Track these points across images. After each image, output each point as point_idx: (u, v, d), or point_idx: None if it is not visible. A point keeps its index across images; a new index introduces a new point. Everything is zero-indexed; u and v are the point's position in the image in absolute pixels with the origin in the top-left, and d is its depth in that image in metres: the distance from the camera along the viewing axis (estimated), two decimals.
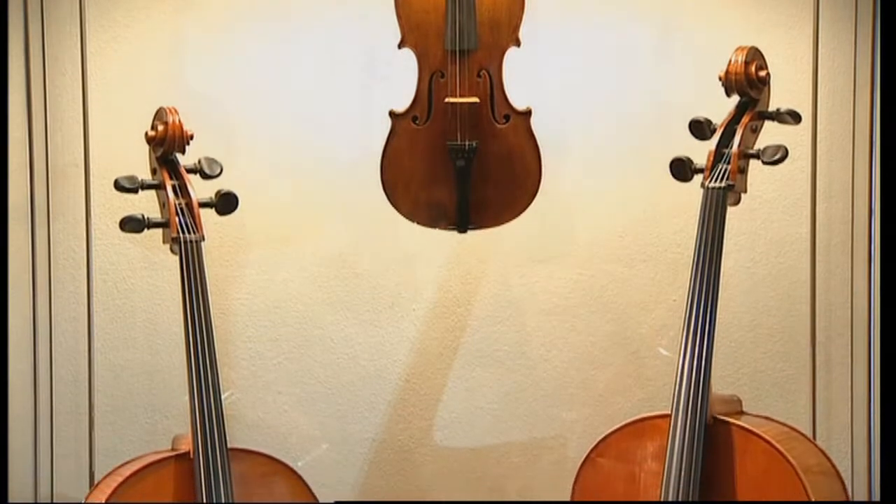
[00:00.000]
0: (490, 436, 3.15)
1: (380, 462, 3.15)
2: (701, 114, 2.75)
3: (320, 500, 2.80)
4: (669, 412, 2.68)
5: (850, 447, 3.05)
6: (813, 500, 2.58)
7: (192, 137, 2.75)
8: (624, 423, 2.77)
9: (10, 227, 3.02)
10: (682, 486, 2.65)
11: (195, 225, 2.77)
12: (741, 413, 2.76)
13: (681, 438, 2.66)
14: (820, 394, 3.08)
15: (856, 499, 2.96)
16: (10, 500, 3.02)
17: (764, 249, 3.08)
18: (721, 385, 2.93)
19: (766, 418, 2.75)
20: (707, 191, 2.71)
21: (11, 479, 3.03)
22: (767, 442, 2.62)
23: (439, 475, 3.15)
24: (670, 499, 2.65)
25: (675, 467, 2.66)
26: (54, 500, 3.08)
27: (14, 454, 3.05)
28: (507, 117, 2.90)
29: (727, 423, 2.67)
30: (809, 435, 2.92)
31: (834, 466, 2.70)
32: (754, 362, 3.10)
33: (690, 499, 2.64)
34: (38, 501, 3.07)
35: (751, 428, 2.65)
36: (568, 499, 2.77)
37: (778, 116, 2.75)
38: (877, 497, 2.99)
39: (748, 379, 3.10)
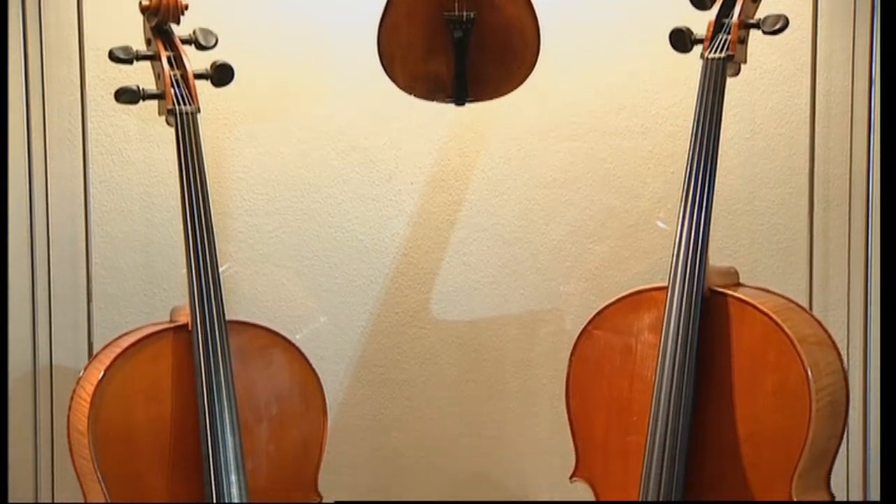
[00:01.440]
0: (487, 308, 3.16)
1: (377, 335, 3.16)
2: None
3: (318, 373, 2.81)
4: (666, 284, 2.69)
5: (846, 318, 3.05)
6: (808, 369, 2.60)
7: (186, 8, 2.72)
8: (621, 295, 2.77)
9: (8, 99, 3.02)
10: (678, 357, 2.66)
11: (190, 96, 2.76)
12: (738, 285, 2.77)
13: (678, 310, 2.67)
14: (817, 265, 3.08)
15: (851, 368, 2.97)
16: (9, 374, 3.05)
17: (763, 120, 3.07)
18: (718, 257, 2.93)
19: (763, 290, 2.75)
20: (706, 62, 2.69)
21: (11, 352, 3.05)
22: (764, 313, 2.63)
23: (437, 348, 3.16)
24: (666, 369, 2.67)
25: (671, 339, 2.67)
26: (53, 370, 3.10)
27: (13, 323, 3.06)
28: None
29: (724, 294, 2.68)
30: (806, 306, 2.92)
31: (830, 337, 2.71)
32: (752, 234, 3.10)
33: (687, 369, 2.65)
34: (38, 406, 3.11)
35: (747, 299, 2.65)
36: (565, 369, 2.78)
37: None
38: (875, 364, 3.01)
39: (745, 251, 3.10)
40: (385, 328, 3.16)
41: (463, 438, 3.16)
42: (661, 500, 2.66)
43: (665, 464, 2.66)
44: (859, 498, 3.05)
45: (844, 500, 2.96)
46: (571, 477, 2.80)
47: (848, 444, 3.04)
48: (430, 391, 3.16)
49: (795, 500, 2.62)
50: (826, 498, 2.70)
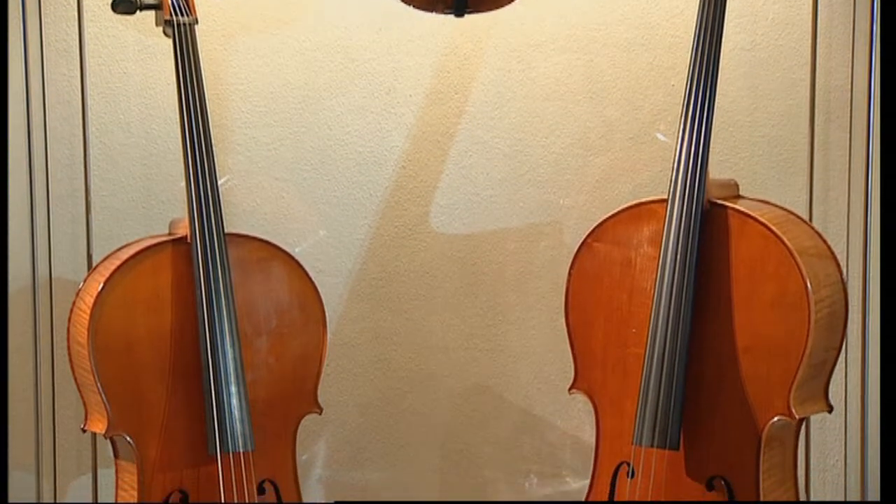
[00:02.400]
0: (487, 222, 3.15)
1: (376, 248, 3.16)
2: None
3: (317, 286, 2.82)
4: (667, 197, 2.68)
5: (846, 229, 3.05)
6: (807, 280, 2.60)
7: None
8: (621, 208, 2.77)
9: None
10: (677, 270, 2.66)
11: (188, 7, 2.73)
12: (738, 197, 2.76)
13: (677, 222, 2.67)
14: (817, 177, 3.07)
15: (850, 279, 2.97)
16: (9, 281, 3.05)
17: (764, 31, 3.04)
18: (718, 169, 2.93)
19: (763, 202, 2.75)
20: None
21: (11, 265, 3.05)
22: (763, 225, 2.63)
23: (436, 261, 3.16)
24: (666, 281, 2.67)
25: (671, 251, 2.67)
26: (52, 282, 3.10)
27: (13, 236, 3.06)
28: None
29: (724, 206, 2.67)
30: (806, 218, 2.92)
31: (829, 248, 2.70)
32: (752, 146, 3.09)
33: (686, 281, 2.65)
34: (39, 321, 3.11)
35: (747, 211, 2.65)
36: (564, 282, 2.78)
37: None
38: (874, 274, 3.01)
39: (746, 163, 3.09)
40: (384, 242, 3.16)
41: (462, 351, 3.17)
42: (658, 410, 2.67)
43: (664, 375, 2.67)
44: (858, 497, 3.07)
45: None
46: (570, 389, 2.81)
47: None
48: (430, 304, 3.17)
49: (793, 409, 2.63)
50: (824, 408, 2.71)
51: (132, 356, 2.71)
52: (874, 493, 3.01)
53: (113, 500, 2.77)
